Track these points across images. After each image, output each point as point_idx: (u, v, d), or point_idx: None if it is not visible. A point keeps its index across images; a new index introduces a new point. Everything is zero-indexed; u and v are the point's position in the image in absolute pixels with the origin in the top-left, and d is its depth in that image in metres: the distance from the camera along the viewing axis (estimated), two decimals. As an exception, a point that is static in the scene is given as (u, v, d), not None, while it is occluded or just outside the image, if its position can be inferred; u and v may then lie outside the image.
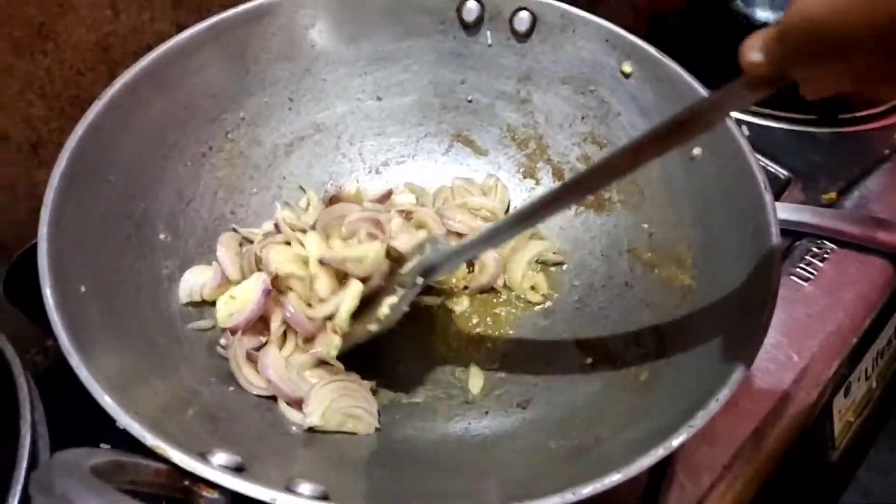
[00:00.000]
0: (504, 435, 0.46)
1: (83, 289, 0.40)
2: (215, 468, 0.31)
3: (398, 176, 0.63)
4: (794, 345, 0.58)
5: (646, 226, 0.54)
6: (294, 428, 0.44)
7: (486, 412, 0.48)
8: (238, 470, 0.32)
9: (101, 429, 0.75)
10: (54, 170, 0.43)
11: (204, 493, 0.31)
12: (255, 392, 0.46)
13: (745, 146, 0.47)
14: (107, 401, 0.33)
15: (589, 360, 0.50)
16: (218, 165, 0.55)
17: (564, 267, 0.58)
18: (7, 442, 0.53)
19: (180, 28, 0.73)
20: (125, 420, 0.32)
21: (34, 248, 0.69)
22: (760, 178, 0.46)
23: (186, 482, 0.31)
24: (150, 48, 0.72)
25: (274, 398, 0.46)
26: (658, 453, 0.33)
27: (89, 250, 0.42)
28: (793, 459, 0.57)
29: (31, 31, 0.62)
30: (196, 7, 0.72)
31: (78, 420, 0.76)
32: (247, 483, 0.30)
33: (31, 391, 0.53)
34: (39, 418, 0.53)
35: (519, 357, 0.53)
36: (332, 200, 0.58)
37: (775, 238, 0.43)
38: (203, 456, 0.32)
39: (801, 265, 0.63)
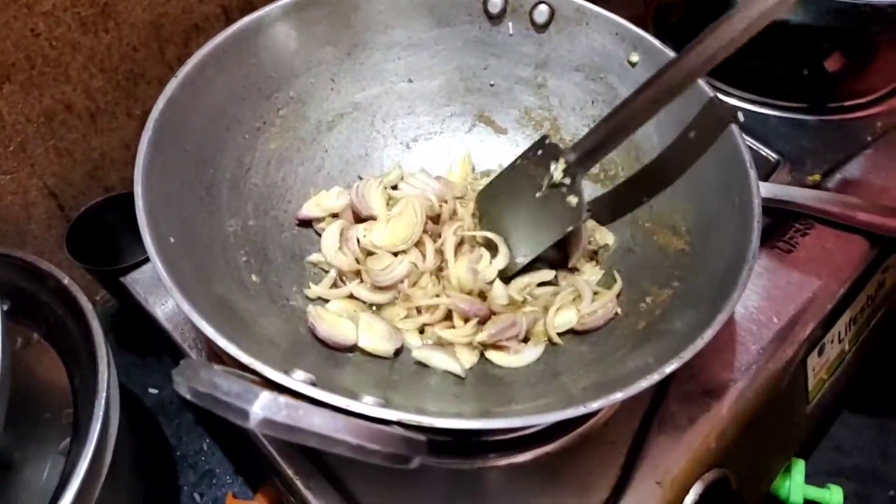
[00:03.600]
0: (521, 371, 0.53)
1: (172, 240, 0.47)
2: (296, 381, 0.38)
3: (427, 150, 0.70)
4: (774, 308, 0.66)
5: (646, 198, 0.61)
6: (349, 357, 0.52)
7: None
8: (313, 385, 0.39)
9: (146, 371, 0.83)
10: (142, 137, 0.49)
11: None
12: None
13: (735, 129, 0.55)
14: (206, 327, 0.40)
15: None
16: (270, 138, 0.62)
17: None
18: (84, 375, 0.61)
19: (225, 10, 0.80)
20: (223, 342, 0.39)
21: (92, 209, 0.77)
22: (747, 157, 0.53)
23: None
24: (197, 28, 0.79)
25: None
26: (653, 378, 0.41)
27: (173, 207, 0.49)
28: (771, 409, 0.65)
29: (97, 10, 0.68)
30: (241, -9, 0.79)
31: (126, 364, 0.84)
32: (323, 392, 0.38)
33: (104, 335, 0.61)
34: (110, 356, 0.61)
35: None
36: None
37: (757, 207, 0.50)
38: (286, 373, 0.39)
39: (785, 239, 0.71)
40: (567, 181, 0.56)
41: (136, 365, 0.84)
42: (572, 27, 0.64)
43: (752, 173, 0.52)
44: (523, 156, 0.61)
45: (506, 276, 0.59)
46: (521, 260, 0.59)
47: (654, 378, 0.41)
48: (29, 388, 0.64)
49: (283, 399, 0.29)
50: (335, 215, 0.63)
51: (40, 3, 0.63)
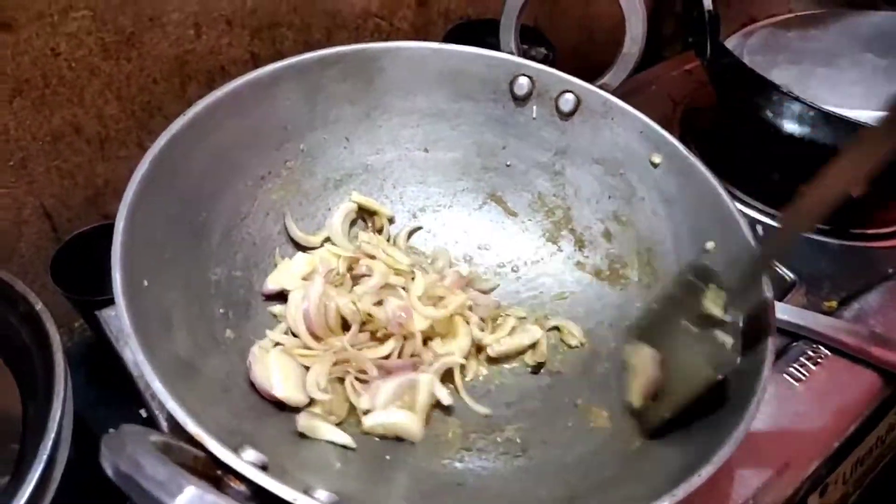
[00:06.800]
0: (498, 477, 0.49)
1: (146, 283, 0.44)
2: (245, 463, 0.35)
3: (432, 221, 0.68)
4: (778, 440, 0.62)
5: (655, 306, 0.58)
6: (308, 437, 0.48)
7: (484, 456, 0.51)
8: (263, 468, 0.36)
9: (111, 409, 0.79)
10: (135, 172, 0.47)
11: (232, 484, 0.35)
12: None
13: (757, 249, 0.52)
14: (157, 386, 0.37)
15: (586, 424, 0.53)
16: (273, 189, 0.60)
17: (574, 330, 0.61)
18: (38, 410, 0.57)
19: (254, 55, 0.80)
20: (172, 405, 0.36)
21: (83, 234, 0.74)
22: (765, 281, 0.50)
23: (219, 472, 0.35)
24: (223, 70, 0.79)
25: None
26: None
27: (155, 249, 0.47)
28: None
29: (122, 38, 0.68)
30: (270, 38, 0.79)
31: (92, 399, 0.80)
32: (272, 481, 0.34)
33: (66, 371, 0.57)
34: (68, 394, 0.57)
35: (520, 408, 0.56)
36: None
37: (771, 337, 0.47)
38: (235, 450, 0.35)
39: (795, 366, 0.67)
40: (727, 317, 0.47)
41: (102, 401, 0.80)
42: (597, 119, 0.62)
43: (769, 296, 0.49)
44: (678, 282, 0.54)
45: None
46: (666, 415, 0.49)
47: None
48: (-22, 416, 0.60)
49: (210, 498, 0.25)
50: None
51: (65, 24, 0.62)
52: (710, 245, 0.55)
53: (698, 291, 0.49)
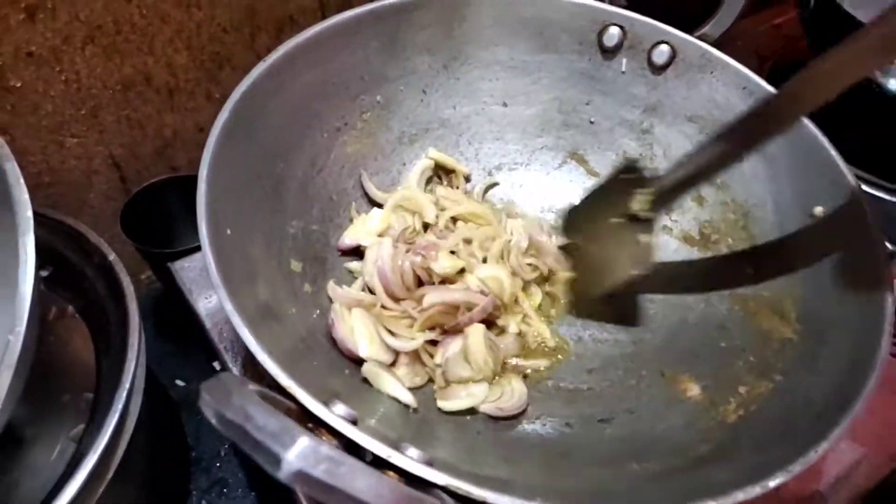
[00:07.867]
0: (586, 445, 0.47)
1: (229, 231, 0.42)
2: (337, 417, 0.33)
3: (508, 181, 0.65)
4: (874, 413, 0.58)
5: (751, 271, 0.54)
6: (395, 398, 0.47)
7: (567, 423, 0.49)
8: (353, 423, 0.34)
9: (180, 362, 0.80)
10: (217, 118, 0.46)
11: (323, 438, 0.33)
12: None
13: (871, 217, 0.48)
14: (247, 335, 0.35)
15: (675, 395, 0.51)
16: (349, 141, 0.58)
17: (659, 297, 0.58)
18: (112, 360, 0.57)
19: (322, 5, 0.77)
20: (263, 357, 0.34)
21: (153, 186, 0.74)
22: (882, 251, 0.46)
23: (310, 424, 0.33)
24: (291, 20, 0.77)
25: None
26: (755, 490, 0.34)
27: (235, 198, 0.45)
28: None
29: (193, -14, 0.66)
30: (340, -13, 0.76)
31: (160, 352, 0.80)
32: (365, 436, 0.32)
33: (139, 322, 0.57)
34: (142, 346, 0.57)
35: (603, 376, 0.54)
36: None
37: (889, 314, 0.43)
38: (326, 404, 0.34)
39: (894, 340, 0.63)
40: (651, 215, 0.52)
41: (169, 353, 0.81)
42: (693, 73, 0.58)
43: (888, 274, 0.45)
44: (611, 178, 0.56)
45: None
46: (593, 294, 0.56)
47: (755, 491, 0.34)
48: (54, 364, 0.60)
49: (325, 450, 0.24)
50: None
51: (139, -32, 0.61)
52: (818, 210, 0.51)
53: (628, 192, 0.52)
